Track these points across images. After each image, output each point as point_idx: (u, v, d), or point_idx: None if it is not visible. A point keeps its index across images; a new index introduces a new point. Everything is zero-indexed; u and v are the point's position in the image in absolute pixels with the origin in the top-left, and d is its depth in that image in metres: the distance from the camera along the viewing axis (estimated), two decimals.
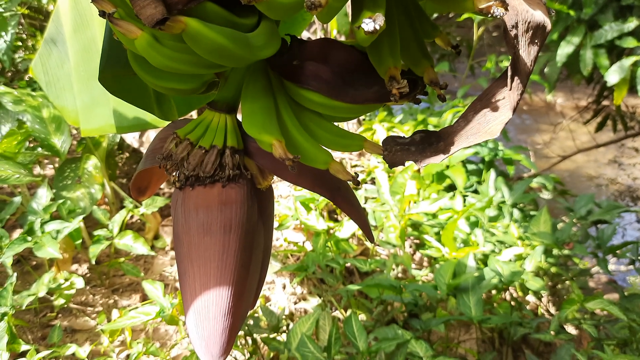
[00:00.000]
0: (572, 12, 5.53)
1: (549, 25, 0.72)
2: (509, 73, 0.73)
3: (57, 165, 4.85)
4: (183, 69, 0.87)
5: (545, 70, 6.50)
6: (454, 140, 0.80)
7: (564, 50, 5.77)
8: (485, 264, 3.88)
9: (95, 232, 3.91)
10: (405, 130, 5.33)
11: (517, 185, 4.67)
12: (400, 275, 4.25)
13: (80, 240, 4.05)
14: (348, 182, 1.02)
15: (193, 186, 1.04)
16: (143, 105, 1.49)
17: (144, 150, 5.41)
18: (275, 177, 1.15)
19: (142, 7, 0.72)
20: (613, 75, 5.34)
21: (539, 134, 11.27)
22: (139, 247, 3.80)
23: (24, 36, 8.03)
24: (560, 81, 7.09)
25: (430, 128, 5.39)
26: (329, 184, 1.12)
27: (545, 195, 5.39)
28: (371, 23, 0.65)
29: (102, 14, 0.82)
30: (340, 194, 1.16)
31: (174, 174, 1.08)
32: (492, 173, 4.74)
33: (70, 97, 2.43)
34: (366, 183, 5.28)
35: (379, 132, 5.29)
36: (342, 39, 6.34)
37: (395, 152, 0.86)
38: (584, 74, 5.80)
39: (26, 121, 4.33)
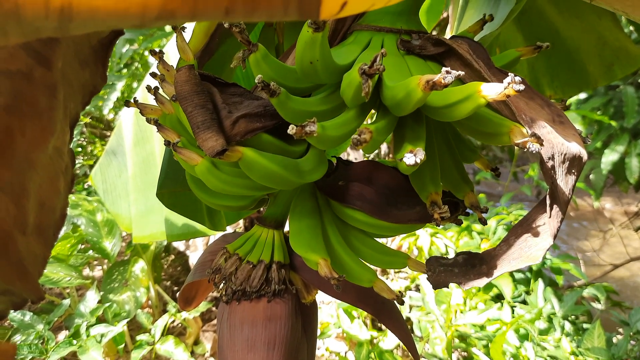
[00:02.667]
0: (614, 123, 5.56)
1: (584, 156, 0.75)
2: (548, 202, 0.75)
3: (105, 266, 5.00)
4: (237, 191, 0.93)
5: (591, 177, 6.43)
6: (496, 264, 0.82)
7: (609, 158, 5.74)
8: None
9: (138, 337, 3.92)
10: (449, 237, 5.28)
11: (567, 296, 4.47)
12: None
13: (123, 345, 4.06)
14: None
15: (239, 300, 1.07)
16: (195, 218, 1.57)
17: (189, 253, 5.52)
18: None
19: (204, 140, 0.80)
20: None
21: (588, 240, 10.88)
22: (180, 353, 3.77)
23: (84, 143, 8.59)
24: (607, 186, 6.97)
25: (474, 235, 5.33)
26: (373, 299, 1.13)
27: (598, 306, 5.11)
28: (412, 157, 0.69)
29: (167, 143, 0.91)
30: (384, 310, 1.16)
31: (221, 287, 1.11)
32: (541, 283, 4.58)
33: (126, 204, 2.56)
34: (410, 290, 5.17)
35: (422, 237, 5.26)
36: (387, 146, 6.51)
37: (439, 273, 0.88)
38: (630, 182, 5.71)
39: (80, 225, 4.54)
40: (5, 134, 0.48)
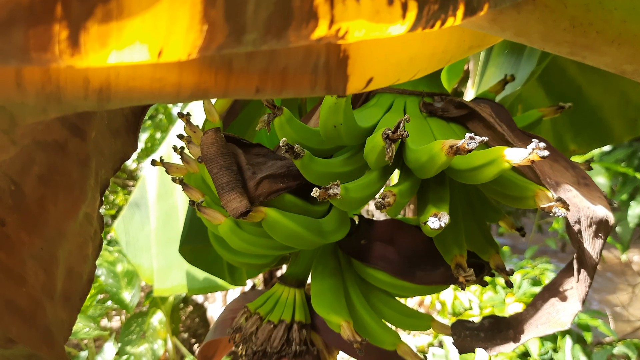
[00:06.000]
0: (638, 175, 5.48)
1: (611, 219, 0.74)
2: (575, 266, 0.74)
3: (124, 317, 4.97)
4: (259, 251, 0.93)
5: (617, 229, 6.28)
6: (523, 329, 0.79)
7: (635, 210, 5.62)
8: None
9: None
10: (473, 291, 5.16)
11: (596, 354, 4.30)
12: None
13: None
14: None
15: None
16: (216, 273, 1.57)
17: (208, 304, 5.48)
18: None
19: (228, 201, 0.81)
20: None
21: (617, 294, 10.50)
22: None
23: (107, 192, 8.68)
24: (634, 238, 6.78)
25: (499, 289, 5.20)
26: None
27: None
28: (437, 221, 0.69)
29: (192, 203, 0.92)
30: None
31: (241, 347, 1.10)
32: (568, 339, 4.42)
33: (147, 257, 2.57)
34: (433, 346, 5.02)
35: (446, 291, 5.15)
36: None
37: (465, 337, 0.86)
38: None
39: (100, 275, 4.54)
40: (39, 204, 0.50)
